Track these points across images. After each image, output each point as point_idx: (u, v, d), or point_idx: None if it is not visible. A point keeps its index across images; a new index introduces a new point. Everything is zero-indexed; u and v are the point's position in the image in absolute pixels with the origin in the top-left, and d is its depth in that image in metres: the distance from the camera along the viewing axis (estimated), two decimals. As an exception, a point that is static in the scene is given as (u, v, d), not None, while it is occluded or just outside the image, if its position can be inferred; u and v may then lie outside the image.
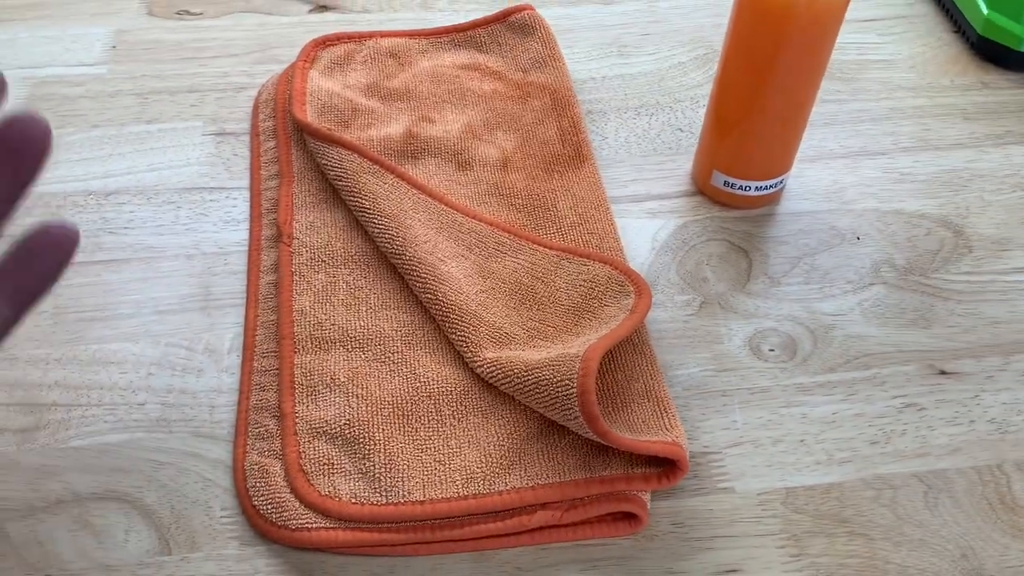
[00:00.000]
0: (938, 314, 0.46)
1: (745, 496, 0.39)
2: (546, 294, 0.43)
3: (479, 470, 0.37)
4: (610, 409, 0.39)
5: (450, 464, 0.37)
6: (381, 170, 0.47)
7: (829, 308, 0.46)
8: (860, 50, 0.62)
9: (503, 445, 0.38)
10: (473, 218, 0.46)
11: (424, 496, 0.36)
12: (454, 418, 0.39)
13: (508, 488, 0.37)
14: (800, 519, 0.38)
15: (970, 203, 0.52)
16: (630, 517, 0.37)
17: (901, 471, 0.40)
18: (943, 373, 0.44)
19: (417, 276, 0.43)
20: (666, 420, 0.38)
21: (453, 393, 0.40)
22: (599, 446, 0.38)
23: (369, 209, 0.45)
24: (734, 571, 0.37)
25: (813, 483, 0.39)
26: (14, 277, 0.29)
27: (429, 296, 0.42)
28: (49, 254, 0.29)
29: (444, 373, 0.40)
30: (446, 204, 0.46)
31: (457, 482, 0.37)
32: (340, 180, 0.47)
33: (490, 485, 0.37)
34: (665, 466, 0.37)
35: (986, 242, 0.50)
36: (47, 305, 0.44)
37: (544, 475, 0.37)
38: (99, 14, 0.62)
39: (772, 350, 0.44)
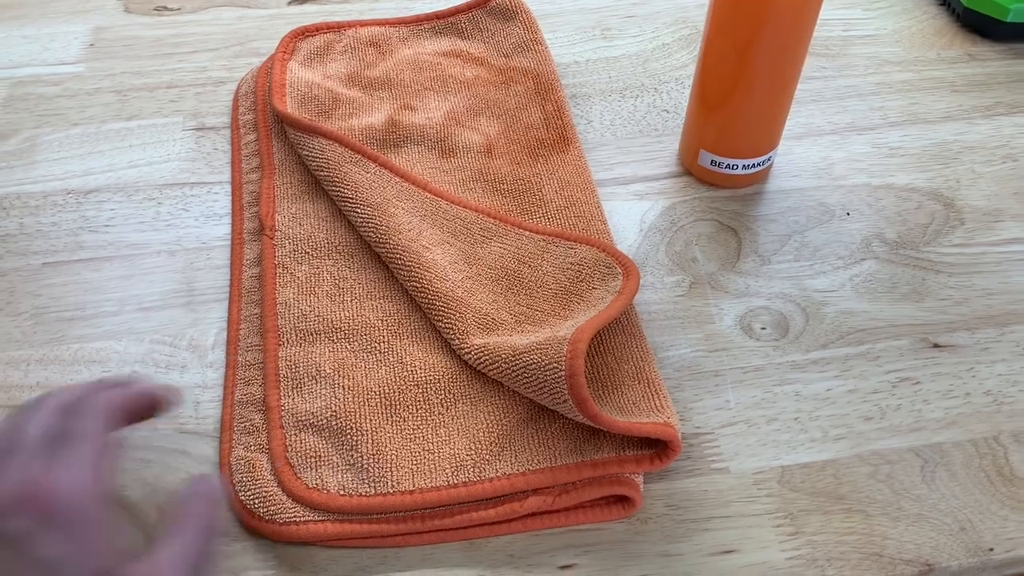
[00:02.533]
0: (930, 287, 0.46)
1: (740, 476, 0.38)
2: (533, 278, 0.42)
3: (468, 458, 0.37)
4: (600, 391, 0.38)
5: (439, 452, 0.37)
6: (363, 159, 0.46)
7: (820, 285, 0.46)
8: (845, 26, 0.61)
9: (492, 432, 0.37)
10: (457, 204, 0.45)
11: (414, 486, 0.36)
12: (442, 406, 0.38)
13: (499, 475, 0.36)
14: (796, 497, 0.38)
15: (960, 175, 0.51)
16: (623, 500, 0.37)
17: (897, 446, 0.39)
18: (937, 346, 0.43)
19: (401, 264, 0.42)
20: (657, 401, 0.37)
21: (441, 381, 0.39)
22: (590, 430, 0.37)
23: (351, 198, 0.45)
24: (730, 551, 0.36)
25: (808, 461, 0.39)
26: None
27: (414, 284, 0.42)
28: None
29: (431, 361, 0.40)
30: (430, 191, 0.46)
31: (447, 470, 0.36)
32: (322, 170, 0.46)
33: (480, 472, 0.36)
34: (657, 447, 0.36)
35: (977, 214, 0.49)
36: (25, 305, 0.44)
37: (535, 460, 0.36)
38: (76, 12, 0.62)
39: (764, 328, 0.44)
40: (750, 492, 0.38)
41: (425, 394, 0.39)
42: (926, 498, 0.38)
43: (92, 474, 0.30)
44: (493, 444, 0.37)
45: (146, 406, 0.35)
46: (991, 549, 0.36)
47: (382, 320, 0.41)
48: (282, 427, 0.38)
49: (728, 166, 0.49)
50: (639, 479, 0.37)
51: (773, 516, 0.37)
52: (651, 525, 0.37)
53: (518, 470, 0.36)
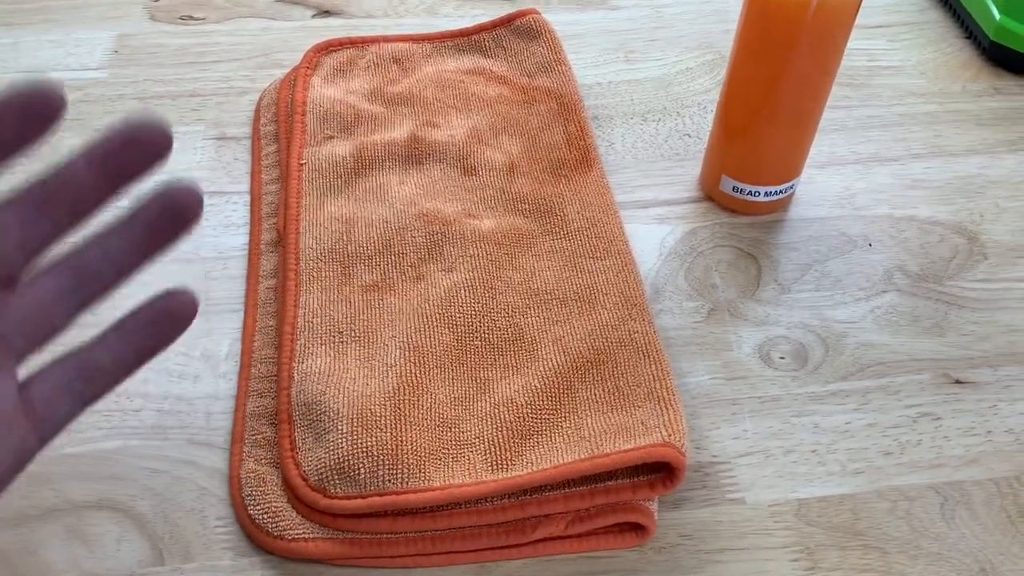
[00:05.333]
0: (953, 322, 0.45)
1: (756, 507, 0.38)
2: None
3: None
4: (608, 413, 0.38)
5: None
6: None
7: (841, 315, 0.45)
8: (870, 56, 0.61)
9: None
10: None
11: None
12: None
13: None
14: (813, 531, 0.37)
15: (984, 209, 0.51)
16: (637, 528, 0.36)
17: (917, 482, 0.39)
18: (958, 382, 0.43)
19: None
20: (666, 418, 0.36)
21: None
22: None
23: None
24: (745, 585, 0.35)
25: (826, 494, 0.38)
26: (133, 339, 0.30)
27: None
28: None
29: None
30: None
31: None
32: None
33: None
34: (667, 470, 0.35)
35: (1001, 249, 0.49)
36: (43, 310, 0.44)
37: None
38: (102, 18, 0.62)
39: (783, 358, 0.43)
40: (766, 524, 0.37)
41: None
42: (945, 537, 0.37)
43: None
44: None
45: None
46: (1012, 592, 0.35)
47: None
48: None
49: (750, 193, 0.48)
50: (653, 506, 0.36)
51: (789, 550, 0.36)
52: (664, 555, 0.36)
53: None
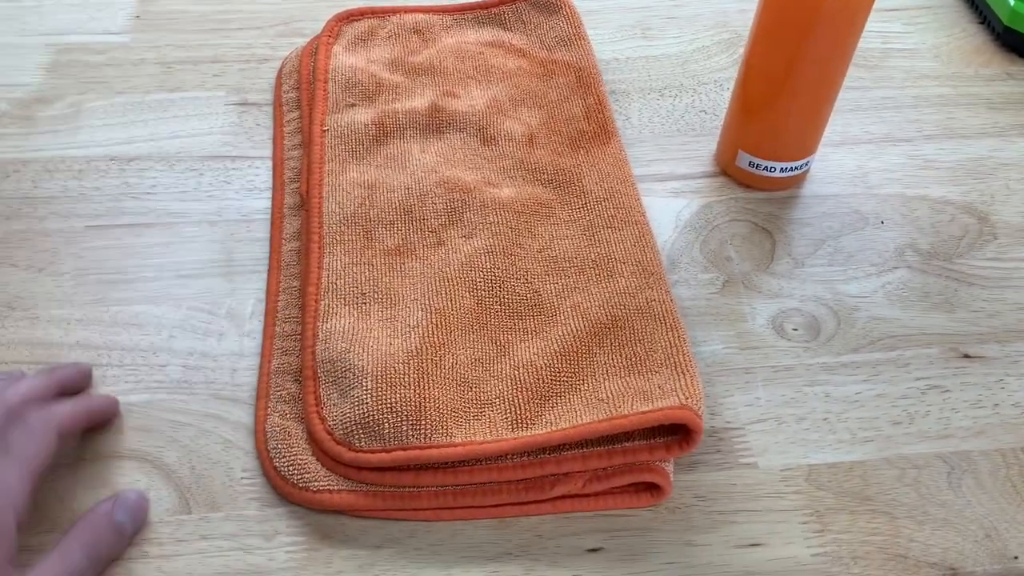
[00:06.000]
0: (962, 299, 0.46)
1: (768, 472, 0.39)
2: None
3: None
4: (627, 377, 0.38)
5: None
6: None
7: (853, 290, 0.46)
8: (884, 39, 0.62)
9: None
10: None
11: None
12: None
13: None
14: (823, 496, 0.38)
15: (995, 191, 0.52)
16: (653, 488, 0.37)
17: (925, 451, 0.40)
18: (967, 356, 0.43)
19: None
20: (683, 382, 0.37)
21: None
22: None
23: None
24: (757, 545, 0.36)
25: (836, 460, 0.39)
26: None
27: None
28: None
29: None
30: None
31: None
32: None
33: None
34: (683, 432, 0.36)
35: (1011, 230, 0.49)
36: (68, 266, 0.44)
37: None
38: (123, -16, 0.62)
39: (796, 330, 0.44)
40: (777, 488, 0.38)
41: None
42: (952, 504, 0.38)
43: (14, 486, 0.32)
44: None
45: (90, 423, 0.38)
46: (1016, 557, 0.36)
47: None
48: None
49: (766, 168, 0.49)
50: (669, 467, 0.37)
51: (800, 512, 0.37)
52: (678, 515, 0.37)
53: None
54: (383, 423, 0.36)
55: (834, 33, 0.44)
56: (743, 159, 0.49)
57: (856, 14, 0.44)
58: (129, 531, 0.35)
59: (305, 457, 0.37)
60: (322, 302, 0.41)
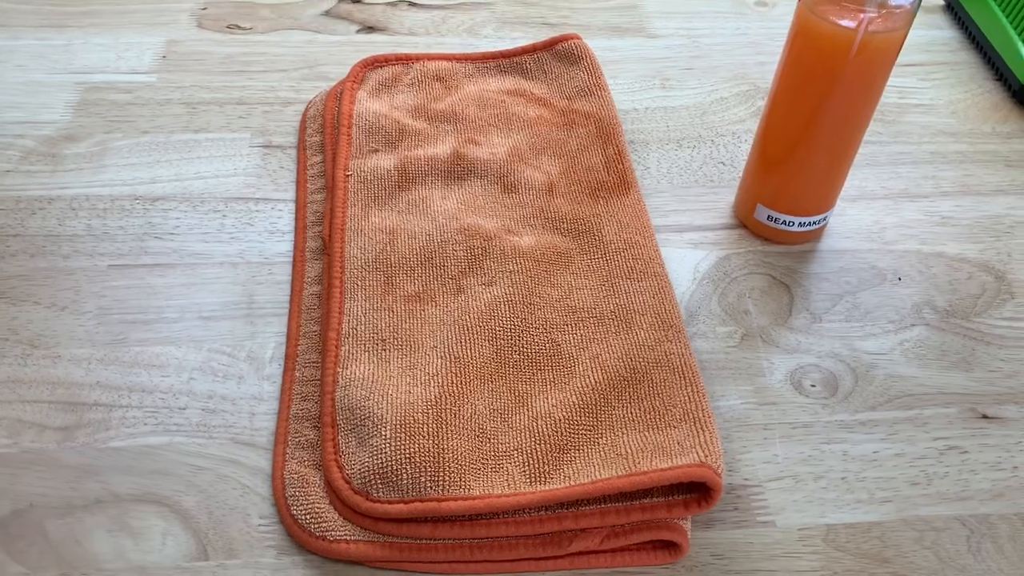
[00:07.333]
0: (980, 358, 0.46)
1: (786, 531, 0.39)
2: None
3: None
4: (645, 432, 0.38)
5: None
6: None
7: (870, 347, 0.46)
8: (901, 94, 0.62)
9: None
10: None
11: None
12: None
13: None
14: (841, 557, 0.38)
15: (1012, 249, 0.52)
16: (670, 546, 0.37)
17: (943, 513, 0.40)
18: (985, 417, 0.43)
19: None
20: (702, 439, 0.37)
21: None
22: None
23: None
24: (774, 606, 0.36)
25: (854, 521, 0.39)
26: None
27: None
28: None
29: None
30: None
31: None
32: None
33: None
34: (702, 490, 0.36)
35: (1028, 289, 0.50)
36: (90, 305, 0.45)
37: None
38: (151, 24, 0.63)
39: (814, 386, 0.44)
40: (795, 548, 0.38)
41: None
42: (972, 568, 0.38)
43: None
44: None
45: None
46: (1036, 625, 0.36)
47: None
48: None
49: (785, 222, 0.49)
50: (687, 525, 0.37)
51: (818, 574, 0.37)
52: (695, 573, 0.37)
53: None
54: (401, 473, 0.36)
55: (854, 94, 0.45)
56: (761, 212, 0.50)
57: (876, 76, 0.44)
58: None
59: (323, 505, 0.37)
60: (343, 348, 0.41)
